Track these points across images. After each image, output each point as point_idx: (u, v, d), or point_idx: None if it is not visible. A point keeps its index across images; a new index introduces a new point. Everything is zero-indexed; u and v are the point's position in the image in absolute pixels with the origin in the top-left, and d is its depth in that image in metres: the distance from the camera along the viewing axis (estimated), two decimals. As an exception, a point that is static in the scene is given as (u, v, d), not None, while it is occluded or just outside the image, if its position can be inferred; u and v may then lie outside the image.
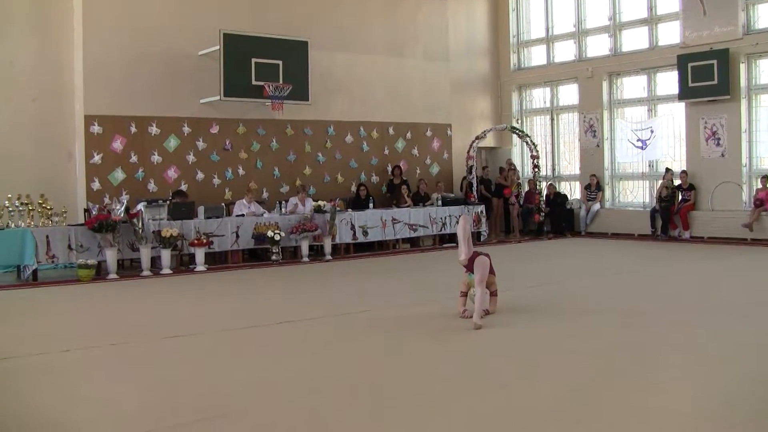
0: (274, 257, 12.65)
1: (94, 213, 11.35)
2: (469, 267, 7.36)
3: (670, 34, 15.96)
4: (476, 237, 15.78)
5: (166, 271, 11.57)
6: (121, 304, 9.19)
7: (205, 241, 12.03)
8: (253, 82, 13.62)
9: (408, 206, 15.14)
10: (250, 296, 9.61)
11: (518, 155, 18.86)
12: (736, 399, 4.79)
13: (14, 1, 12.82)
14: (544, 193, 17.10)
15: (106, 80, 12.99)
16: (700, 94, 15.01)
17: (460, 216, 7.78)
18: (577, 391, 5.00)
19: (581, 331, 6.92)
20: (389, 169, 16.32)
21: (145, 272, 11.42)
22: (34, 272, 10.97)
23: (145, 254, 11.50)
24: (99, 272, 11.29)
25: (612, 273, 11.14)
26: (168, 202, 12.30)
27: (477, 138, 17.01)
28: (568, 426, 4.33)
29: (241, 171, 14.41)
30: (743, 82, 14.75)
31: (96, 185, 12.92)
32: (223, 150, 14.23)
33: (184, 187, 13.60)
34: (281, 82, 13.81)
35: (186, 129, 13.83)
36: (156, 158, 13.54)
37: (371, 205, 14.69)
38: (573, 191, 18.02)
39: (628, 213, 16.51)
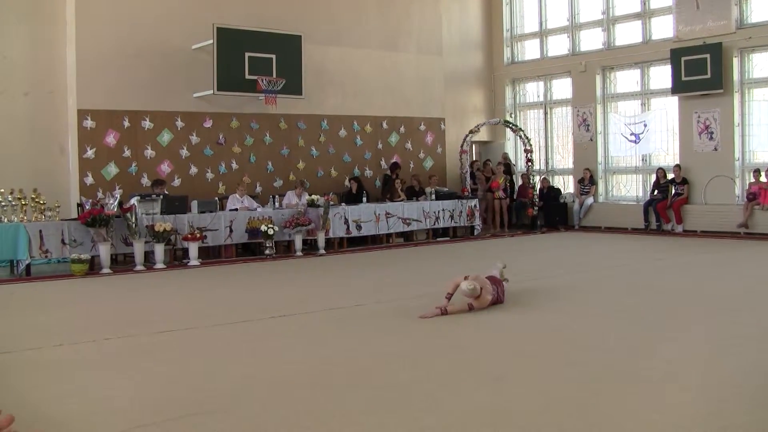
0: (267, 252, 12.65)
1: (87, 207, 11.34)
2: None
3: (664, 28, 16.00)
4: (470, 231, 15.83)
5: (160, 265, 11.58)
6: (114, 298, 9.18)
7: (198, 235, 12.03)
8: (247, 77, 13.62)
9: (401, 200, 15.14)
10: (244, 291, 9.61)
11: (512, 149, 18.88)
12: (734, 390, 4.80)
13: (6, -5, 12.80)
14: (538, 187, 17.10)
15: (99, 74, 12.95)
16: (693, 88, 15.05)
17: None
18: (571, 384, 5.02)
19: (576, 324, 6.94)
20: (382, 163, 16.34)
21: (139, 267, 11.42)
22: (28, 267, 10.97)
23: (138, 249, 11.49)
24: (92, 267, 11.29)
25: (606, 267, 11.17)
26: (161, 197, 12.27)
27: (470, 132, 17.04)
28: (564, 419, 4.34)
29: (234, 165, 14.40)
30: (736, 76, 14.79)
31: (89, 180, 12.90)
32: (216, 144, 14.21)
33: (177, 182, 13.60)
34: (275, 76, 13.80)
35: (179, 123, 13.80)
36: (149, 153, 13.51)
37: (365, 199, 14.69)
38: (566, 185, 18.06)
39: (622, 207, 16.56)
